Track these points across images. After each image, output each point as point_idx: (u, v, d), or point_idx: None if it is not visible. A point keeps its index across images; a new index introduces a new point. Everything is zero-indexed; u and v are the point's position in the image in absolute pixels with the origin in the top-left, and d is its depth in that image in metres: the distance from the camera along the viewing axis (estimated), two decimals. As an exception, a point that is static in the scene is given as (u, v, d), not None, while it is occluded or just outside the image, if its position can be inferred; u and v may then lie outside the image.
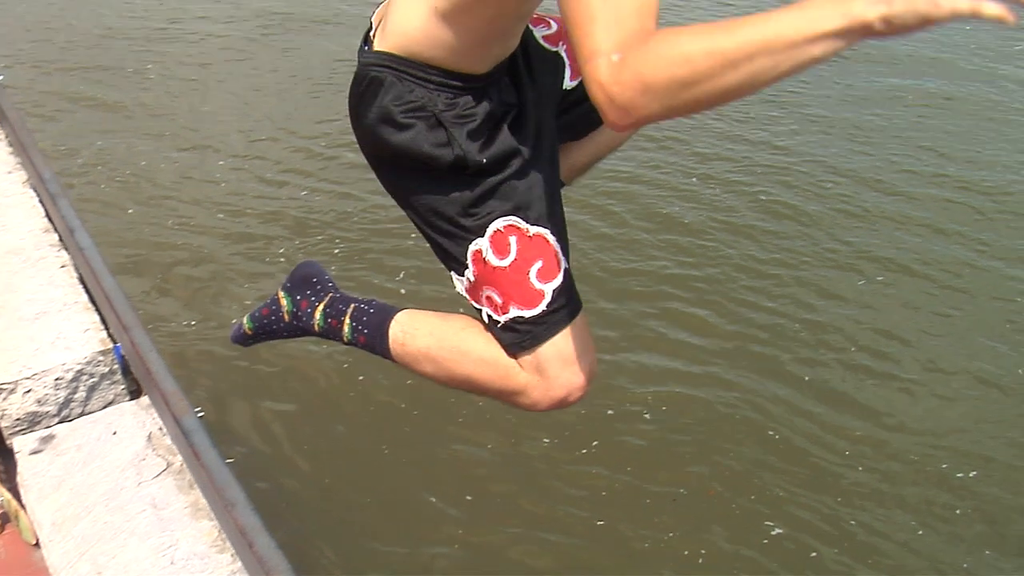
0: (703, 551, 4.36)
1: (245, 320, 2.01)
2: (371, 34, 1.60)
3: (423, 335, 1.75)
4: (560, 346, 1.64)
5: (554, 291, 1.59)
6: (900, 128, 8.41)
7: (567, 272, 1.61)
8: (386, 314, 1.80)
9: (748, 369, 5.35)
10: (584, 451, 4.80)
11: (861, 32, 0.99)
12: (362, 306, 1.83)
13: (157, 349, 2.24)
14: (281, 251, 6.33)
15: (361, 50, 1.58)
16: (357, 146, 1.65)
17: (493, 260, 1.58)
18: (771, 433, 4.93)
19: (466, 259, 1.61)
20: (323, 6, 11.19)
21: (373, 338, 1.78)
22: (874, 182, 7.41)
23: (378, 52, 1.52)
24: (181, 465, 2.22)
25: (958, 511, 4.53)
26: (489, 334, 1.71)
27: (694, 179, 7.35)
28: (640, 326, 5.73)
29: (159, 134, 8.03)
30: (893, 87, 9.23)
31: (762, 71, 1.00)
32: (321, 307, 1.85)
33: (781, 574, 4.25)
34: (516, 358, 1.71)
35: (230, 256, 6.29)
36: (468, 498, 4.55)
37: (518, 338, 1.66)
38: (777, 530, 4.44)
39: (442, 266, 1.78)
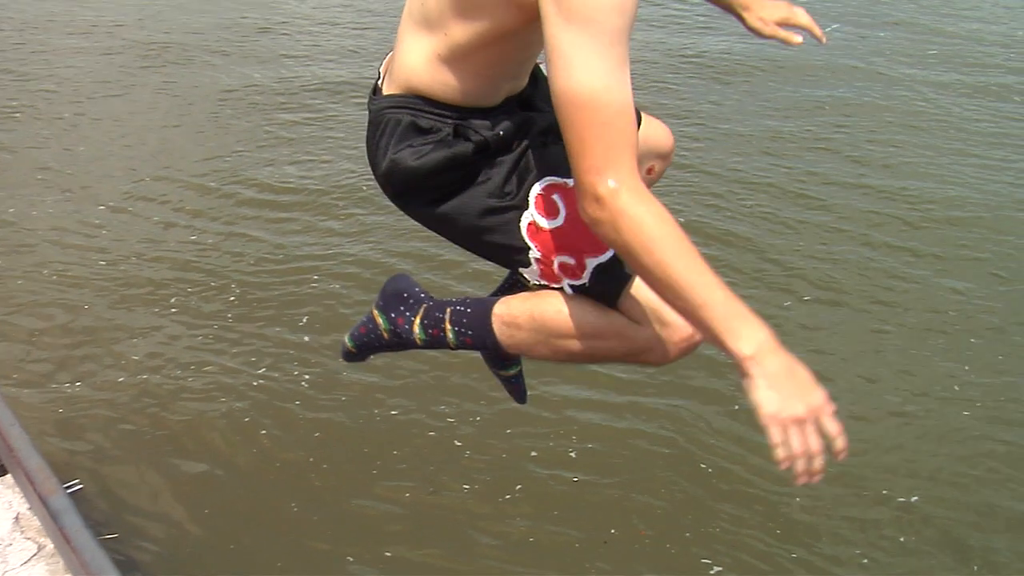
0: None
1: (346, 339, 2.09)
2: (379, 83, 1.75)
3: (525, 323, 1.74)
4: None
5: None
6: (819, 138, 8.63)
7: None
8: (485, 309, 1.80)
9: (677, 398, 5.38)
10: (507, 496, 4.74)
11: (732, 358, 1.34)
12: (458, 308, 1.84)
13: (20, 422, 2.13)
14: (172, 300, 6.18)
15: (371, 100, 1.73)
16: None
17: (547, 223, 1.63)
18: (703, 466, 4.95)
19: (524, 240, 1.65)
20: (204, 36, 11.06)
21: (481, 337, 1.80)
22: (796, 196, 7.58)
23: (390, 95, 1.66)
24: (54, 548, 2.11)
25: (902, 538, 4.60)
26: (588, 303, 1.69)
27: (611, 201, 7.40)
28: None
29: (29, 179, 7.79)
30: (809, 97, 9.47)
31: (673, 302, 1.35)
32: (418, 320, 1.88)
33: None
34: (630, 315, 1.67)
35: (113, 308, 6.11)
36: (387, 554, 4.46)
37: (610, 284, 1.65)
38: (716, 568, 4.44)
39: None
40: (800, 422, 1.38)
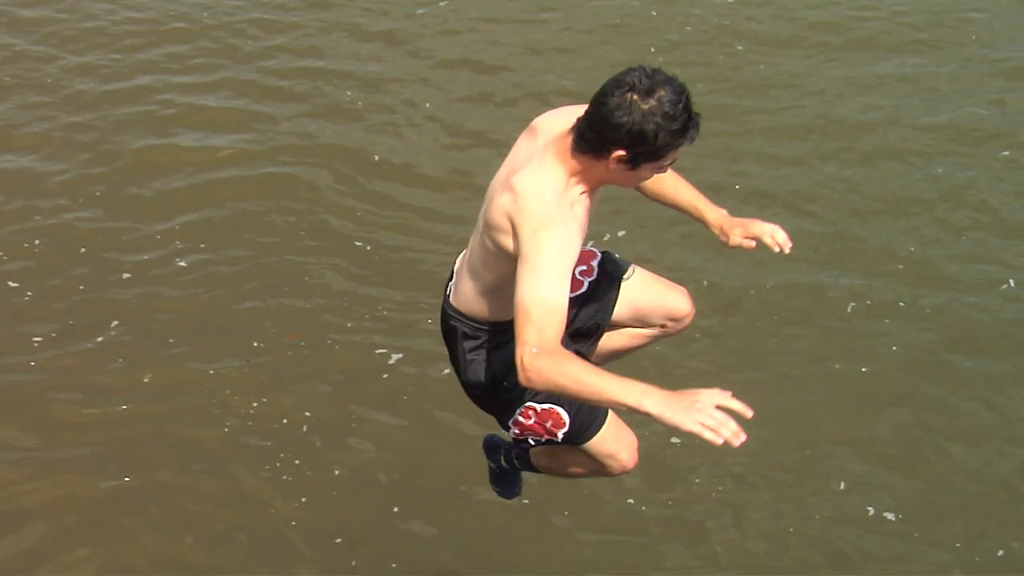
0: (309, 410, 3.84)
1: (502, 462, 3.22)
2: (451, 283, 2.70)
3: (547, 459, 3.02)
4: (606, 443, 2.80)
5: (564, 434, 2.71)
6: None
7: (574, 419, 2.71)
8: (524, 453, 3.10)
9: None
10: (99, 339, 3.98)
11: (642, 413, 2.05)
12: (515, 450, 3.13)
13: None
14: None
15: (444, 297, 2.70)
16: None
17: (523, 421, 2.70)
18: (358, 245, 4.34)
19: (509, 426, 2.74)
20: None
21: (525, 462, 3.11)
22: None
23: (453, 306, 2.65)
24: None
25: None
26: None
27: None
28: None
29: None
30: None
31: (591, 400, 2.19)
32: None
33: (449, 406, 3.87)
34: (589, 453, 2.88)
35: None
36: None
37: (546, 447, 2.88)
38: (394, 357, 4.01)
39: None
40: (698, 412, 1.97)
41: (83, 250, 4.28)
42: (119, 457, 3.66)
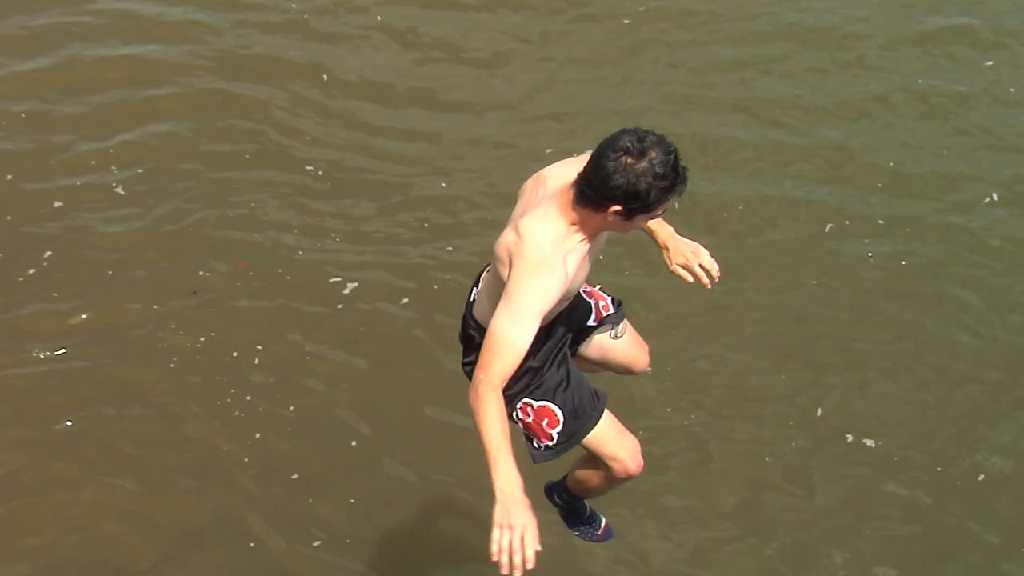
0: (260, 344, 3.75)
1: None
2: (475, 293, 2.97)
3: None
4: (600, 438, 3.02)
5: (558, 433, 2.99)
6: None
7: (566, 418, 2.99)
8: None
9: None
10: (31, 272, 3.84)
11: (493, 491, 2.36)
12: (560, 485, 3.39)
13: None
14: None
15: (468, 303, 2.97)
16: None
17: (523, 418, 2.97)
18: (311, 167, 4.15)
19: (516, 417, 2.99)
20: None
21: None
22: None
23: (474, 316, 2.93)
24: None
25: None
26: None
27: None
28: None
29: None
30: None
31: (480, 446, 2.42)
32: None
33: (406, 338, 3.84)
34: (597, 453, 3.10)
35: None
36: None
37: (551, 453, 2.98)
38: (349, 286, 3.90)
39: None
40: (508, 528, 2.27)
41: (9, 177, 4.14)
42: (55, 400, 3.55)
